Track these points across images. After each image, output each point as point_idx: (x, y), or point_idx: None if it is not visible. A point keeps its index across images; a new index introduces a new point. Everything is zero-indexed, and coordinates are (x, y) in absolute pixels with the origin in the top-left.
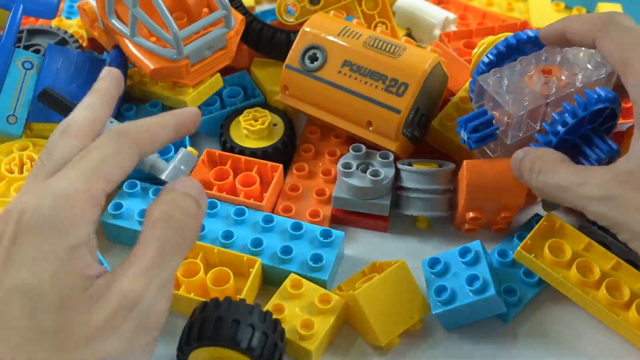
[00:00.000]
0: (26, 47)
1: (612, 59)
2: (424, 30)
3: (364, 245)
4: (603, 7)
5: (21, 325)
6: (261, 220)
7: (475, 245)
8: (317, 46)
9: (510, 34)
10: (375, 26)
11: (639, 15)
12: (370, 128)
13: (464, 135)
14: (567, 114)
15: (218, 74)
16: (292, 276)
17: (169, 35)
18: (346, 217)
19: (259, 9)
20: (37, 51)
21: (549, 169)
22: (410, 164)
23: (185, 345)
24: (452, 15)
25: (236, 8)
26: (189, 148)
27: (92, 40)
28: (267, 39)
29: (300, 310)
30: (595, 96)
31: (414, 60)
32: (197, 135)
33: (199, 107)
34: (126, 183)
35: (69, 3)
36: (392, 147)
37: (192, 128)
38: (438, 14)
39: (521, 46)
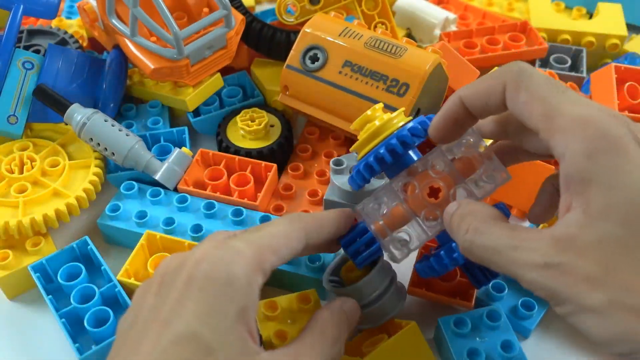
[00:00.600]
0: (26, 48)
1: (530, 114)
2: (424, 30)
3: None
4: (603, 7)
5: None
6: (259, 220)
7: (499, 308)
8: (318, 46)
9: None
10: (375, 26)
11: (639, 16)
12: None
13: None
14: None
15: (218, 74)
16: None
17: (169, 35)
18: None
19: (259, 9)
20: (37, 51)
21: (479, 227)
22: (337, 273)
23: None
24: (452, 15)
25: (236, 8)
26: (183, 149)
27: (92, 40)
28: (267, 39)
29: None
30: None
31: (415, 61)
32: (196, 135)
33: (198, 107)
34: (123, 184)
35: (69, 3)
36: None
37: (348, 226)
38: (438, 14)
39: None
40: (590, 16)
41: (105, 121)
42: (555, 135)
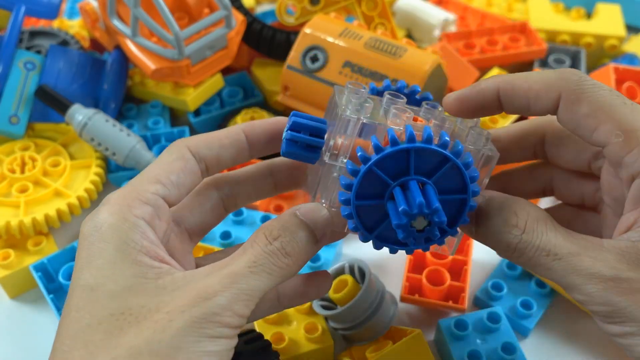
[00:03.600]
0: (28, 48)
1: (595, 127)
2: (423, 31)
3: (358, 246)
4: (602, 8)
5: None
6: (259, 220)
7: (499, 310)
8: (318, 47)
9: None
10: (375, 27)
11: (637, 16)
12: None
13: (285, 133)
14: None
15: (219, 74)
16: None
17: (170, 35)
18: None
19: (259, 9)
20: (38, 52)
21: (535, 227)
22: (326, 296)
23: None
24: (451, 16)
25: (237, 8)
26: None
27: (93, 41)
28: (267, 40)
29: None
30: (427, 135)
31: (415, 62)
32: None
33: (199, 107)
34: (124, 184)
35: (71, 4)
36: None
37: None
38: (438, 15)
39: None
40: (589, 17)
41: (106, 121)
42: (634, 150)
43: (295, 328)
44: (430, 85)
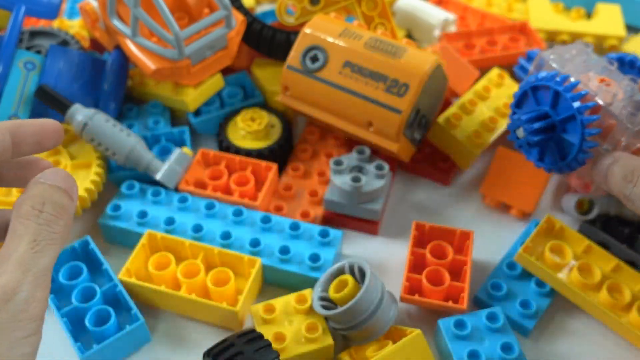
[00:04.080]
0: (28, 48)
1: None
2: (423, 31)
3: (358, 246)
4: (602, 8)
5: None
6: (259, 220)
7: (498, 310)
8: (318, 47)
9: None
10: (375, 27)
11: (637, 16)
12: (371, 129)
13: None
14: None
15: (219, 74)
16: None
17: (170, 35)
18: (337, 218)
19: (259, 9)
20: (38, 52)
21: None
22: (326, 295)
23: (206, 354)
24: (451, 16)
25: (237, 9)
26: (184, 148)
27: (93, 41)
28: (267, 40)
29: (290, 325)
30: (570, 85)
31: (415, 62)
32: (196, 135)
33: (199, 107)
34: (124, 184)
35: (71, 4)
36: (393, 148)
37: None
38: (438, 15)
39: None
40: (589, 17)
41: (107, 121)
42: None
43: (295, 328)
44: (431, 86)
